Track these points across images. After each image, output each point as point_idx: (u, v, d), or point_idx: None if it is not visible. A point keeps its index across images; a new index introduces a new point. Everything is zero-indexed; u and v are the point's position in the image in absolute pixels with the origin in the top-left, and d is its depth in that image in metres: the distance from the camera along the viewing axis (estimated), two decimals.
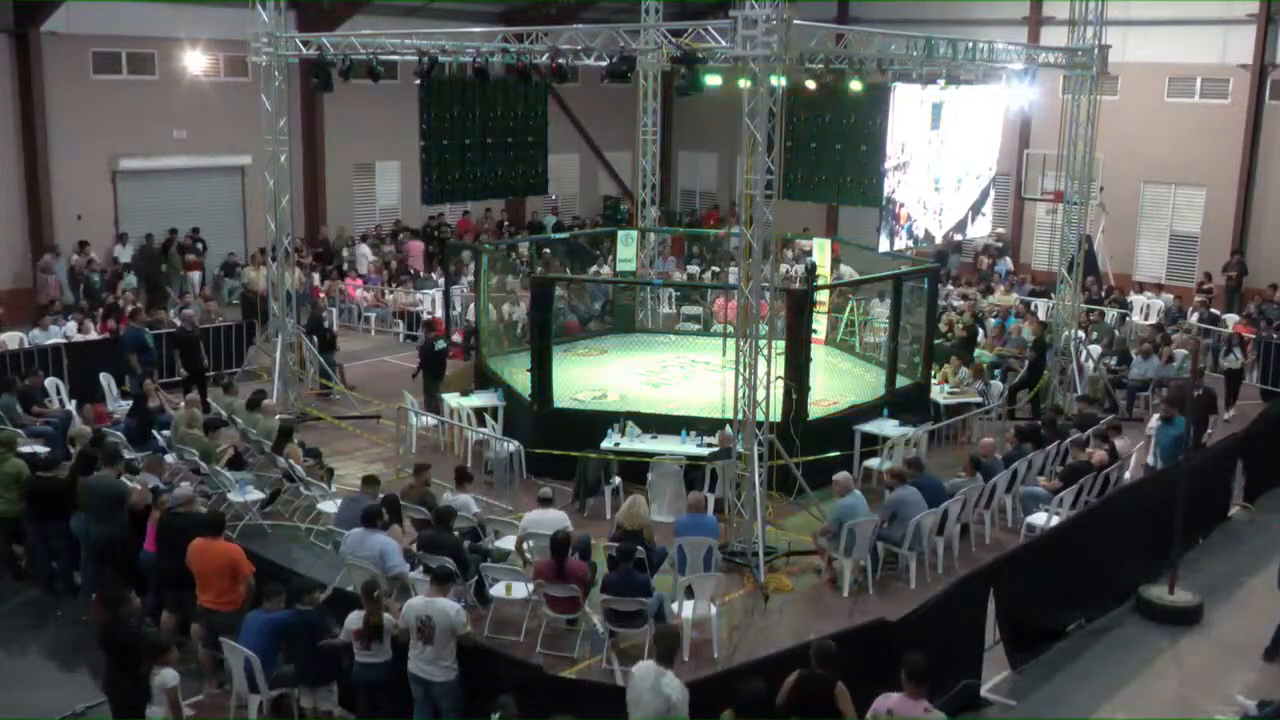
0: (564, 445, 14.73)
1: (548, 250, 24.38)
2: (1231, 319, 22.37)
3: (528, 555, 11.70)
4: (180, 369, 18.11)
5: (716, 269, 26.30)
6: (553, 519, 11.85)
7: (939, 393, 17.73)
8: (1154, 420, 15.28)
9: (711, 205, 33.26)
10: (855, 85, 15.93)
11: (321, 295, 22.87)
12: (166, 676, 8.59)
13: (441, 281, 23.24)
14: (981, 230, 20.17)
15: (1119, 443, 14.59)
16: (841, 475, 12.98)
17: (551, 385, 15.66)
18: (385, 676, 9.19)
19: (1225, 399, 18.42)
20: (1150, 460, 14.80)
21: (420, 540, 11.38)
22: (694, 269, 27.38)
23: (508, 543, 12.19)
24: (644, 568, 11.03)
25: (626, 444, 14.86)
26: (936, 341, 18.17)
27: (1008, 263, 27.39)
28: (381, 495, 11.90)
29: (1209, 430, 16.41)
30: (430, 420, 16.73)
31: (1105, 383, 18.87)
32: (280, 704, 9.44)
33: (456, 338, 21.21)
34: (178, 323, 19.11)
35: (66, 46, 23.00)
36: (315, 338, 18.78)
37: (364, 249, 27.00)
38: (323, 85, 17.52)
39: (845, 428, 15.62)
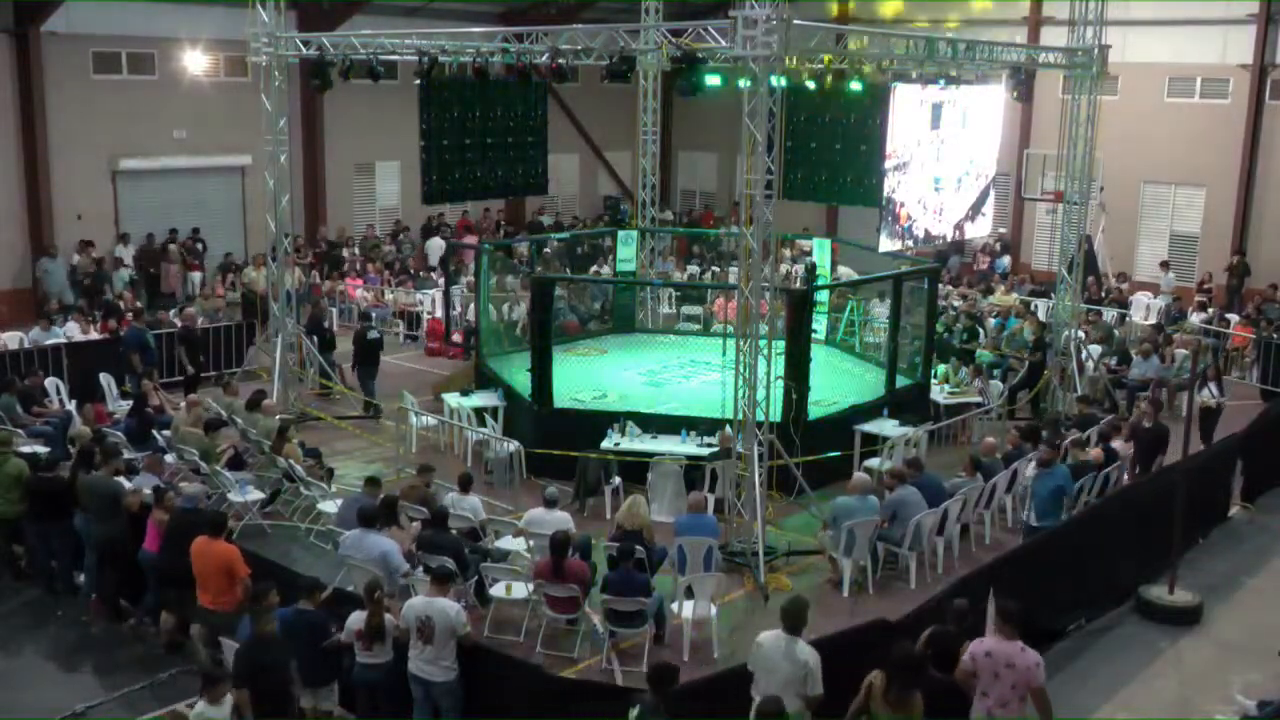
0: (564, 445, 14.73)
1: (548, 250, 24.38)
2: (1231, 319, 22.39)
3: (528, 554, 11.73)
4: (179, 369, 18.19)
5: (716, 269, 26.31)
6: (554, 519, 11.85)
7: (939, 393, 17.74)
8: (1030, 467, 12.96)
9: (706, 206, 33.30)
10: (855, 85, 15.93)
11: (322, 295, 22.90)
12: (199, 711, 8.33)
13: (441, 281, 23.25)
14: (981, 230, 20.18)
15: (1119, 443, 14.59)
16: (858, 475, 12.99)
17: (552, 385, 15.67)
18: (386, 677, 9.18)
19: (1202, 441, 15.97)
20: (1025, 515, 12.61)
21: (420, 540, 11.37)
22: (694, 269, 27.39)
23: (508, 543, 12.20)
24: (644, 568, 11.02)
25: (626, 444, 14.86)
26: (941, 334, 18.14)
27: (1005, 261, 27.37)
28: (383, 496, 11.91)
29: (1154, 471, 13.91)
30: (430, 420, 16.74)
31: (1105, 383, 18.87)
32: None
33: (456, 338, 21.23)
34: (178, 323, 19.18)
35: (66, 46, 22.99)
36: (315, 338, 18.78)
37: (439, 241, 26.87)
38: (322, 85, 17.54)
39: (845, 428, 15.62)
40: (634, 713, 7.92)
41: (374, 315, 20.64)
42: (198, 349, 18.25)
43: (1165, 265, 25.53)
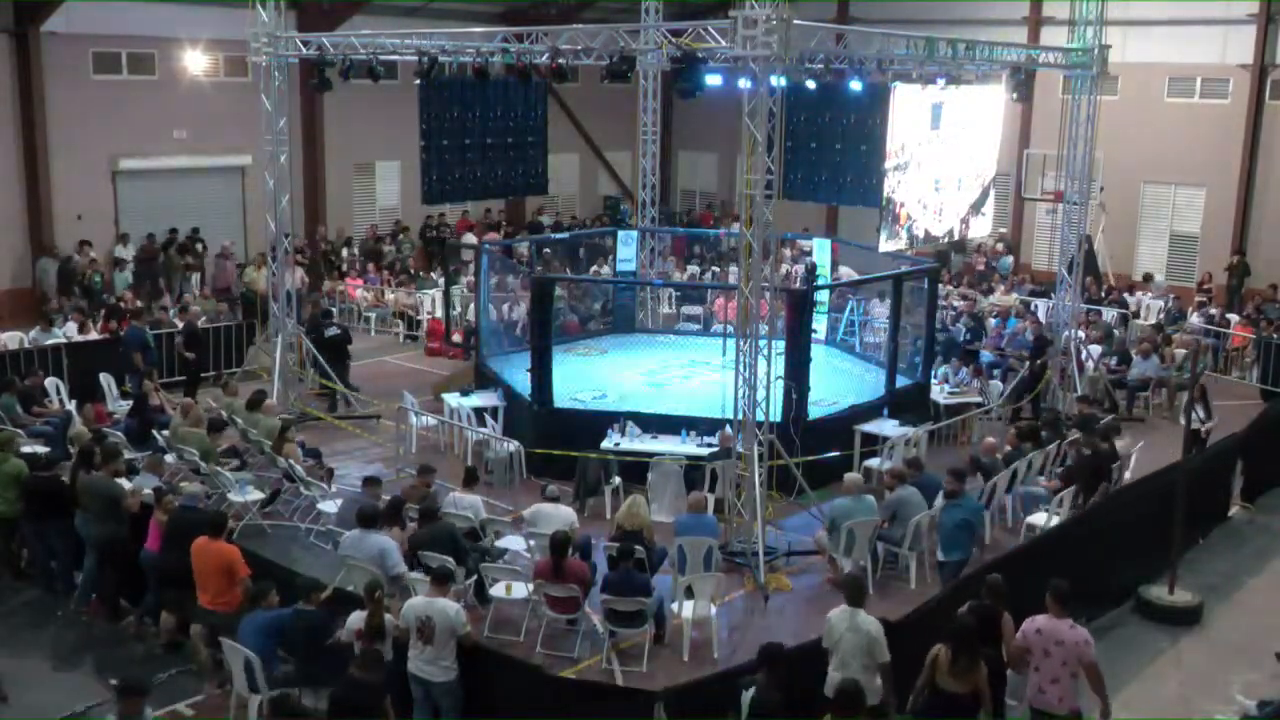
0: (564, 445, 14.73)
1: (548, 250, 24.38)
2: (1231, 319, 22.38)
3: (528, 554, 11.73)
4: (180, 368, 18.22)
5: (716, 269, 26.30)
6: (560, 516, 11.86)
7: (939, 393, 17.74)
8: (938, 499, 12.29)
9: (705, 206, 33.32)
10: (855, 85, 15.92)
11: (321, 295, 22.91)
12: None
13: (441, 281, 23.25)
14: (982, 230, 20.17)
15: (1119, 443, 14.59)
16: (849, 476, 12.99)
17: (552, 385, 15.67)
18: (386, 677, 9.17)
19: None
20: (939, 554, 11.80)
21: (413, 539, 11.32)
22: (694, 269, 27.38)
23: (508, 543, 12.20)
24: (644, 568, 11.03)
25: (626, 444, 14.86)
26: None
27: (1008, 262, 27.35)
28: (387, 497, 11.89)
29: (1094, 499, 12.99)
30: (430, 420, 16.74)
31: (1105, 383, 18.87)
32: (280, 704, 9.42)
33: (456, 338, 21.23)
34: (179, 323, 19.18)
35: (66, 46, 22.98)
36: (314, 338, 18.77)
37: (472, 238, 27.07)
38: (322, 85, 17.52)
39: (845, 428, 15.62)
40: (748, 695, 8.06)
41: (370, 313, 20.52)
42: (199, 346, 18.40)
43: (1148, 277, 25.54)
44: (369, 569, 10.42)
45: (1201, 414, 15.56)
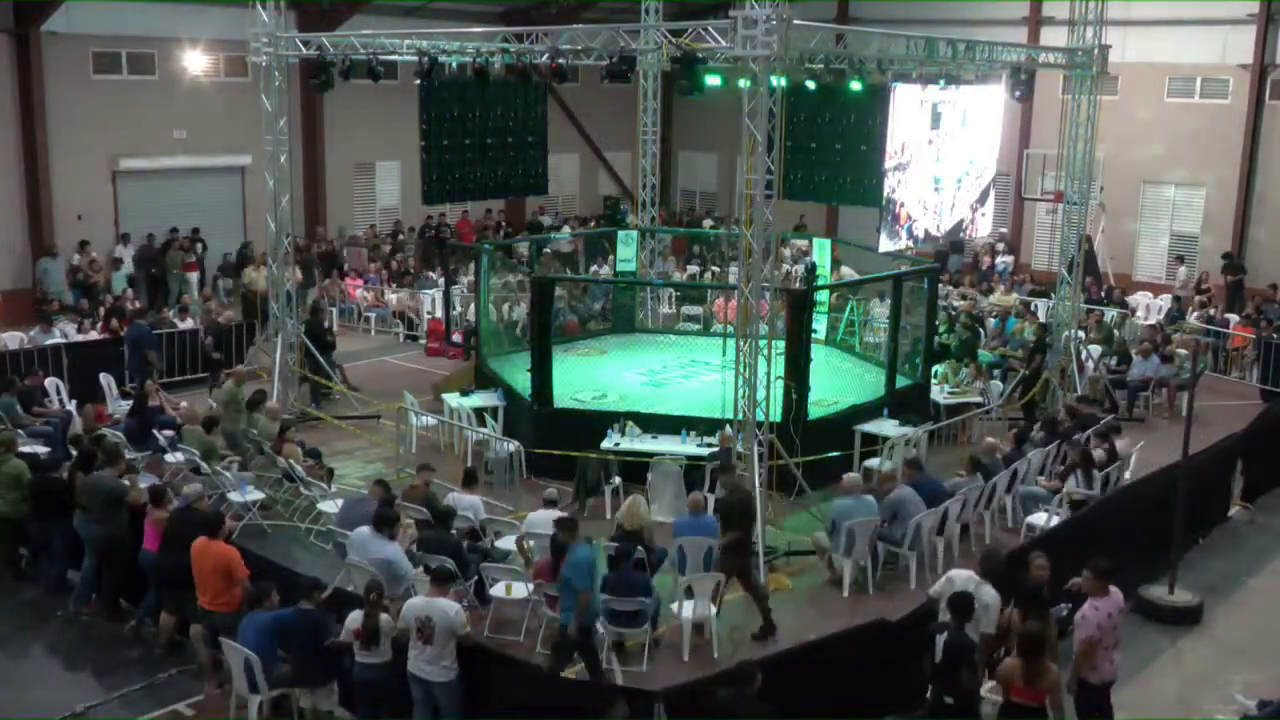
0: (564, 445, 14.73)
1: (548, 250, 24.41)
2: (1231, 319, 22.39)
3: (529, 554, 11.72)
4: (203, 366, 18.46)
5: (716, 269, 26.32)
6: (548, 518, 11.83)
7: (939, 393, 17.74)
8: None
9: (688, 208, 33.42)
10: (855, 85, 15.92)
11: (322, 295, 22.91)
12: None
13: (441, 281, 23.26)
14: (982, 230, 20.17)
15: (1119, 443, 14.59)
16: (848, 476, 12.99)
17: (552, 385, 15.67)
18: (385, 677, 9.18)
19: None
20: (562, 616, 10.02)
21: (420, 540, 11.37)
22: (694, 269, 27.39)
23: (508, 543, 12.21)
24: (644, 568, 11.03)
25: (626, 444, 14.86)
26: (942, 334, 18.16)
27: (1008, 261, 27.35)
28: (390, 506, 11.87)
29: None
30: (430, 420, 16.74)
31: (1105, 383, 18.87)
32: (280, 704, 9.44)
33: (456, 338, 21.24)
34: (181, 323, 19.20)
35: (66, 46, 22.99)
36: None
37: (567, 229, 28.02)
38: (323, 85, 17.54)
39: (845, 428, 15.62)
40: (942, 639, 8.79)
41: (370, 313, 20.37)
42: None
43: (1180, 259, 25.61)
44: (370, 569, 10.41)
45: (1081, 481, 13.32)
